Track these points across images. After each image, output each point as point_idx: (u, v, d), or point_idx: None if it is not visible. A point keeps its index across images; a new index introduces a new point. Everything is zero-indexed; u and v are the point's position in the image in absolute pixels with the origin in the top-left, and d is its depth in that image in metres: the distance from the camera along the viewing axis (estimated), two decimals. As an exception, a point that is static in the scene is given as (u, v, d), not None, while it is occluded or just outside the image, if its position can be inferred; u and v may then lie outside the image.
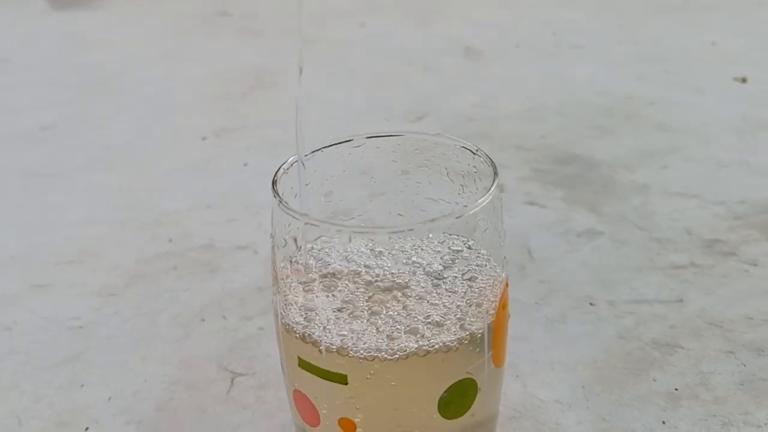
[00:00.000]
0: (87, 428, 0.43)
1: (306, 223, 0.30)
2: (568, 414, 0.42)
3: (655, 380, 0.44)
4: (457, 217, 0.29)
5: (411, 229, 0.29)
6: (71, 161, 0.74)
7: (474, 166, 0.34)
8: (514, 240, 0.58)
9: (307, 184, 0.34)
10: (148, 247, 0.59)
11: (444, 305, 0.30)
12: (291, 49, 1.17)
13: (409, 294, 0.30)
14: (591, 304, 0.50)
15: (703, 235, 0.58)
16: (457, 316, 0.31)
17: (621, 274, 0.53)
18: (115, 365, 0.47)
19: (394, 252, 0.32)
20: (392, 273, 0.31)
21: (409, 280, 0.30)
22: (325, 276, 0.32)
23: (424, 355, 0.29)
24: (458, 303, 0.30)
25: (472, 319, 0.31)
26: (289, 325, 0.31)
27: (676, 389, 0.43)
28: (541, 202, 0.63)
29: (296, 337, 0.31)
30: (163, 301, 0.53)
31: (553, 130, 0.76)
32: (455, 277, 0.30)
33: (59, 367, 0.47)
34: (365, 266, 0.31)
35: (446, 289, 0.30)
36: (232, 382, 0.45)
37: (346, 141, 0.35)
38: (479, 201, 0.30)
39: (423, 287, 0.30)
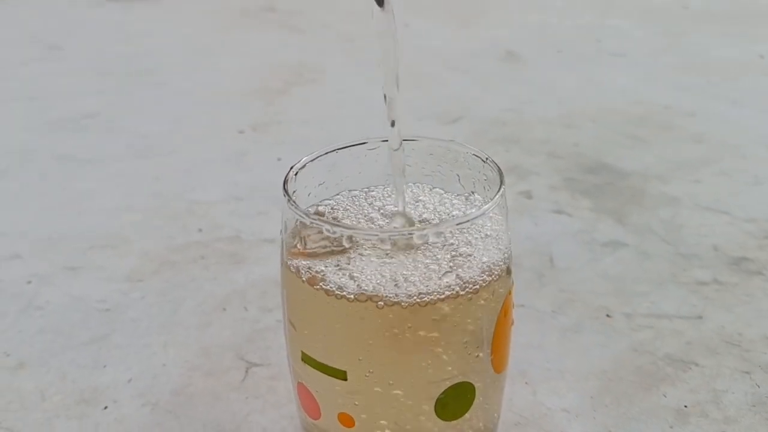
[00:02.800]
0: (105, 407, 0.44)
1: (311, 223, 0.31)
2: (574, 424, 0.42)
3: (665, 395, 0.44)
4: (457, 224, 0.30)
5: (411, 234, 0.29)
6: (109, 148, 0.76)
7: (484, 174, 0.34)
8: (537, 248, 0.58)
9: (321, 183, 0.35)
10: (178, 236, 0.61)
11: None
12: (332, 46, 1.19)
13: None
14: (608, 316, 0.50)
15: (731, 252, 0.57)
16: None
17: (641, 287, 0.53)
18: (138, 348, 0.49)
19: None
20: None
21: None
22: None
23: (424, 306, 0.29)
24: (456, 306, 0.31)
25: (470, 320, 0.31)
26: (295, 268, 0.31)
27: (685, 406, 0.43)
28: (569, 211, 0.63)
29: (302, 281, 0.31)
30: (188, 289, 0.54)
31: (587, 137, 0.76)
32: (455, 278, 0.30)
33: (85, 347, 0.49)
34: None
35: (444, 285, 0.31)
36: (246, 371, 0.47)
37: (361, 143, 0.36)
38: (483, 208, 0.31)
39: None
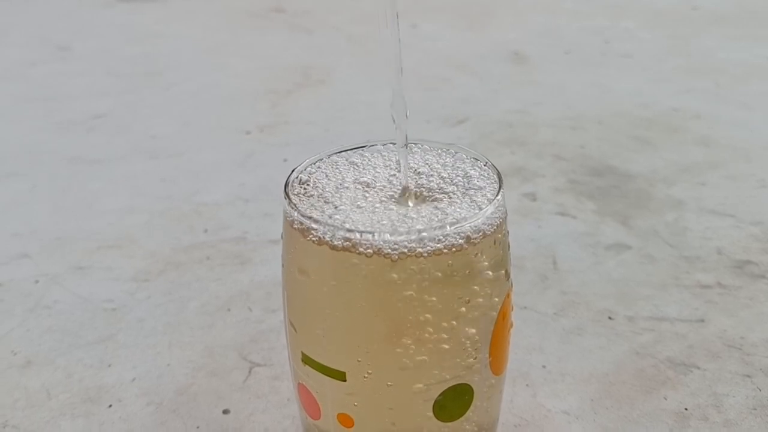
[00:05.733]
0: (110, 405, 0.45)
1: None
2: (574, 426, 0.42)
3: (665, 398, 0.44)
4: (452, 227, 0.30)
5: (408, 232, 0.30)
6: (118, 150, 0.77)
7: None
8: (541, 250, 0.58)
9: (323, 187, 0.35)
10: (184, 237, 0.62)
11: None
12: (340, 47, 1.19)
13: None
14: (610, 318, 0.50)
15: (735, 255, 0.57)
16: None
17: (644, 290, 0.53)
18: (143, 348, 0.50)
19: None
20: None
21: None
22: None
23: (406, 258, 0.29)
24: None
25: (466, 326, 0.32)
26: (293, 221, 0.32)
27: (686, 409, 0.43)
28: (573, 213, 0.63)
29: (293, 228, 0.32)
30: (193, 290, 0.55)
31: (593, 140, 0.76)
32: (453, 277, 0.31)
33: (91, 346, 0.50)
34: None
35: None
36: (250, 371, 0.47)
37: (360, 147, 0.36)
38: (481, 212, 0.31)
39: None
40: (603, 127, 0.79)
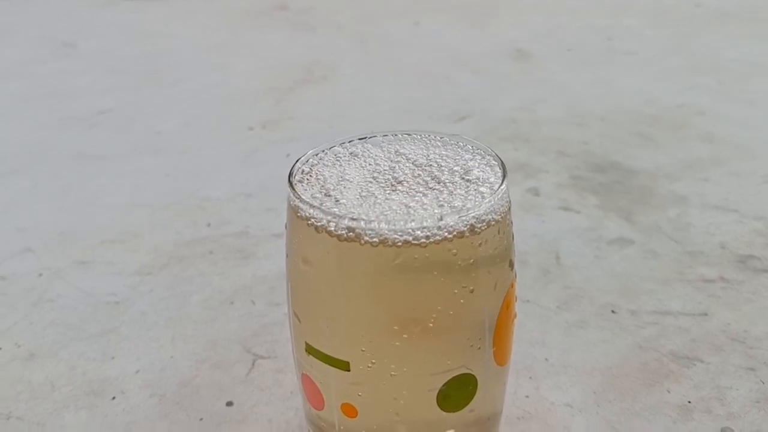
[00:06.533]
0: (113, 398, 0.45)
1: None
2: (577, 418, 0.42)
3: (669, 391, 0.44)
4: (456, 216, 0.30)
5: (412, 221, 0.30)
6: (122, 146, 0.77)
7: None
8: (544, 245, 0.58)
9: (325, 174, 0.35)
10: (187, 231, 0.62)
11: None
12: (342, 44, 1.19)
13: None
14: (613, 312, 0.50)
15: (738, 250, 0.57)
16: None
17: (647, 284, 0.53)
18: (146, 341, 0.50)
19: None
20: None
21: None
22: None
23: (409, 246, 0.30)
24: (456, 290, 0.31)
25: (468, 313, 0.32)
26: (299, 208, 0.32)
27: (689, 402, 0.43)
28: (576, 208, 0.63)
29: (297, 216, 0.32)
30: (196, 284, 0.55)
31: (596, 136, 0.76)
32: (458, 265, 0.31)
33: (94, 339, 0.50)
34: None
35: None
36: (253, 364, 0.47)
37: (364, 137, 0.36)
38: (485, 201, 0.31)
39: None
40: (606, 123, 0.79)
